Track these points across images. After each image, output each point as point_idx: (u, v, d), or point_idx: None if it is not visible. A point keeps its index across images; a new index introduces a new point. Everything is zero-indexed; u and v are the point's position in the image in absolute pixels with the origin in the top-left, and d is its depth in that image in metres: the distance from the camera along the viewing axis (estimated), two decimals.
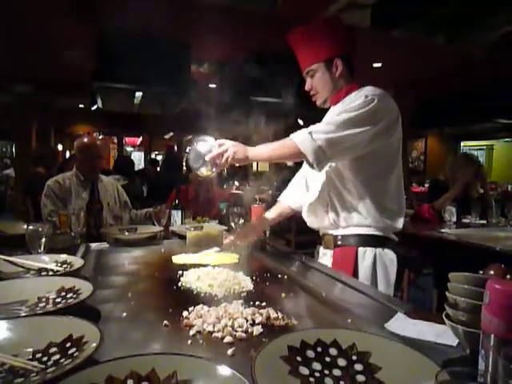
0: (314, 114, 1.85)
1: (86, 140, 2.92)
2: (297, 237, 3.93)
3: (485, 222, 3.22)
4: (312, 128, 1.52)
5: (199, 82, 6.34)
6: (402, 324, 1.03)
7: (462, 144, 10.42)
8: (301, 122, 8.33)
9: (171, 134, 10.67)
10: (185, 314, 1.06)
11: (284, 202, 2.04)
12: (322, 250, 1.84)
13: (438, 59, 5.13)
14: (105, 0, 3.84)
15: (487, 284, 0.65)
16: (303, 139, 1.49)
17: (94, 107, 5.69)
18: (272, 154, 1.59)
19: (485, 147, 10.54)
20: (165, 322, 1.02)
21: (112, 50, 4.29)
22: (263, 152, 1.61)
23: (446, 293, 0.91)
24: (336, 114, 1.55)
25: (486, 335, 0.64)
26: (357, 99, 1.54)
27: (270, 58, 5.21)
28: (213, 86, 7.33)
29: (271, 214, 2.02)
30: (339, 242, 1.70)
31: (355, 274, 1.60)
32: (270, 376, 0.67)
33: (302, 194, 1.96)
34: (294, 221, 3.95)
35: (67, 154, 9.89)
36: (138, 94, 5.53)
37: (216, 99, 6.70)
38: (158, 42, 4.70)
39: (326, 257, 1.78)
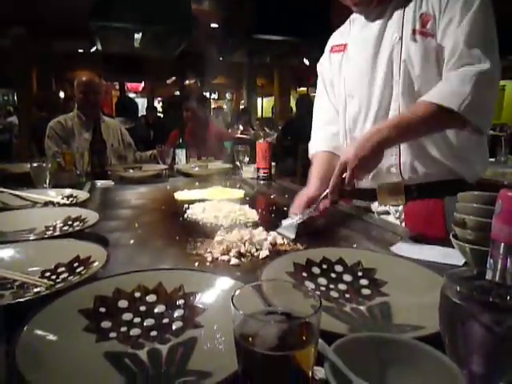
0: (322, 54, 1.55)
1: (84, 78, 2.84)
2: (302, 178, 3.89)
3: (493, 159, 3.18)
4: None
5: (200, 21, 6.05)
6: (407, 247, 1.03)
7: None
8: (307, 62, 8.04)
9: (173, 78, 10.38)
10: (191, 240, 1.07)
11: (316, 150, 1.48)
12: (378, 207, 1.38)
13: None
14: None
15: (500, 193, 0.63)
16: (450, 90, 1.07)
17: (93, 49, 5.49)
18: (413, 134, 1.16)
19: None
20: (172, 246, 1.04)
21: None
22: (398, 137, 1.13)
23: (454, 213, 0.90)
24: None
25: (495, 244, 0.63)
26: None
27: None
28: (215, 25, 7.01)
29: (317, 174, 1.36)
30: (414, 194, 1.28)
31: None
32: (275, 289, 0.67)
33: (335, 125, 1.45)
34: (299, 160, 3.92)
35: None
36: (138, 36, 5.31)
37: (218, 39, 6.43)
38: None
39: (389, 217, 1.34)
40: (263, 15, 5.16)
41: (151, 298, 0.67)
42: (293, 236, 1.08)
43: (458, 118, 1.07)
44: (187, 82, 10.99)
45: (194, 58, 7.24)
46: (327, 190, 1.13)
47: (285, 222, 1.15)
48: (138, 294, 0.67)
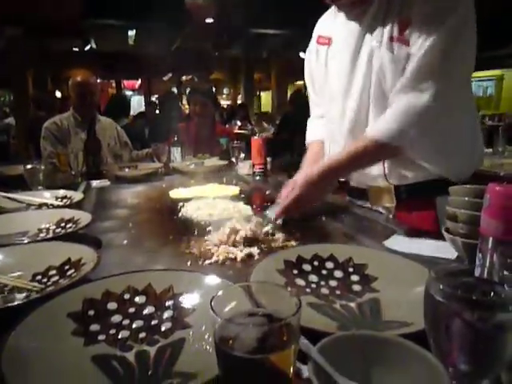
0: None
1: (79, 78, 2.83)
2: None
3: (490, 150, 3.17)
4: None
5: (195, 16, 6.01)
6: (400, 241, 1.03)
7: None
8: (303, 56, 8.00)
9: (170, 75, 10.33)
10: (184, 239, 1.07)
11: (311, 139, 1.52)
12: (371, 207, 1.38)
13: None
14: None
15: (488, 187, 0.63)
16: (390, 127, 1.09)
17: (87, 47, 5.46)
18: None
19: (494, 78, 10.13)
20: (165, 246, 1.03)
21: None
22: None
23: (446, 207, 0.90)
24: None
25: (484, 239, 0.63)
26: None
27: None
28: (210, 20, 6.97)
29: (311, 161, 1.42)
30: (403, 195, 1.25)
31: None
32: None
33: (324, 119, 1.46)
34: (295, 154, 3.90)
35: None
36: (132, 33, 5.28)
37: (213, 34, 6.40)
38: None
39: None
40: (258, 9, 5.12)
41: (141, 299, 0.67)
42: (273, 216, 1.14)
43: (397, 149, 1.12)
44: (184, 78, 10.96)
45: (190, 54, 7.21)
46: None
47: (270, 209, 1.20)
48: (127, 296, 0.67)
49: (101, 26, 4.64)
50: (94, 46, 5.51)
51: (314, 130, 1.54)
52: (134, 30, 4.97)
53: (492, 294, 0.43)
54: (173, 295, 0.67)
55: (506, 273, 0.51)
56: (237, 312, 0.42)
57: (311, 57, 1.43)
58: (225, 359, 0.37)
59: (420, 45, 1.04)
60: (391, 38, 1.10)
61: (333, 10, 1.35)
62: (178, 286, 0.69)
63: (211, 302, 0.38)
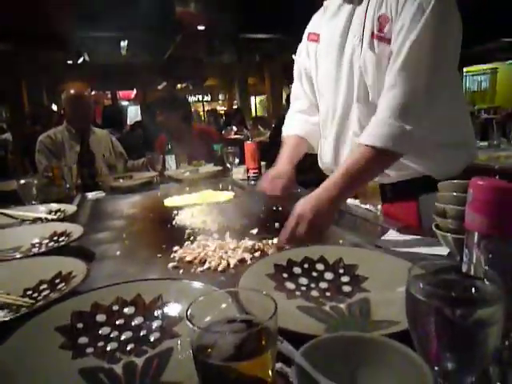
0: None
1: (72, 91, 2.84)
2: (298, 176, 3.86)
3: (486, 143, 3.17)
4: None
5: (187, 24, 6.04)
6: (393, 239, 1.03)
7: (464, 70, 10.02)
8: None
9: (164, 83, 10.37)
10: (176, 248, 1.07)
11: (288, 133, 1.48)
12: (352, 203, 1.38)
13: None
14: None
15: (470, 182, 0.63)
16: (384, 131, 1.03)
17: (80, 60, 5.49)
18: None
19: (489, 71, 10.16)
20: (158, 255, 1.03)
21: None
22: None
23: (435, 203, 0.90)
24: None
25: (469, 234, 0.62)
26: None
27: None
28: (201, 27, 7.00)
29: (287, 154, 1.40)
30: (389, 194, 1.25)
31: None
32: None
33: (309, 115, 1.44)
34: None
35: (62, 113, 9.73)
36: (124, 44, 5.31)
37: (205, 41, 6.42)
38: None
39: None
40: (249, 14, 5.15)
41: (130, 310, 0.67)
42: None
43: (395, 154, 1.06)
44: (178, 86, 10.99)
45: (183, 62, 7.23)
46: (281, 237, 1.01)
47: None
48: (115, 307, 0.67)
49: (93, 39, 4.67)
50: (87, 58, 5.54)
51: (291, 124, 1.50)
52: (126, 41, 4.99)
53: (473, 290, 0.43)
54: (162, 304, 0.67)
55: (486, 268, 0.51)
56: (217, 319, 0.41)
57: (302, 52, 1.43)
58: (203, 368, 0.37)
59: (400, 42, 1.03)
60: (372, 35, 1.10)
61: (321, 10, 1.35)
62: (167, 295, 0.68)
63: (187, 311, 0.38)
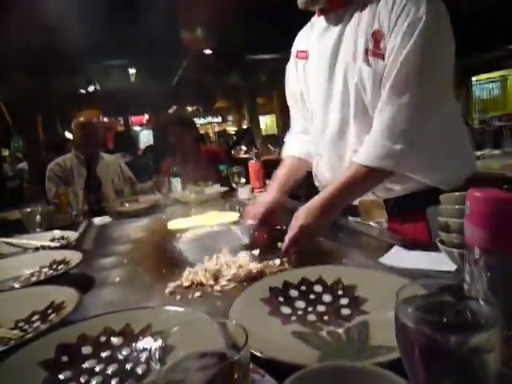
0: None
1: (81, 119, 2.90)
2: (307, 190, 3.82)
3: (499, 151, 3.10)
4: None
5: (194, 49, 6.17)
6: (397, 256, 0.98)
7: (473, 79, 9.93)
8: None
9: (174, 107, 10.55)
10: (177, 272, 1.04)
11: (286, 155, 1.49)
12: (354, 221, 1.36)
13: None
14: None
15: (467, 194, 0.59)
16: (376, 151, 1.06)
17: (92, 89, 5.63)
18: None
19: (498, 79, 10.05)
20: (157, 281, 1.01)
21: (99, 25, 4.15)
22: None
23: (438, 217, 0.86)
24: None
25: (469, 249, 0.59)
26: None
27: (264, 11, 4.98)
28: (208, 51, 7.13)
29: (279, 179, 1.40)
30: (394, 209, 1.22)
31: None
32: (245, 318, 0.64)
33: (307, 135, 1.43)
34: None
35: None
36: (132, 71, 5.44)
37: (213, 65, 6.52)
38: (143, 10, 4.54)
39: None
40: (252, 36, 5.23)
41: (118, 340, 0.64)
42: (246, 241, 1.16)
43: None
44: (189, 109, 11.15)
45: (191, 85, 7.35)
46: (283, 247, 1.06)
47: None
48: (103, 338, 0.64)
49: (102, 67, 4.79)
50: (97, 86, 5.69)
51: (290, 146, 1.51)
52: (134, 69, 5.12)
53: (467, 312, 0.40)
54: (150, 334, 0.64)
55: (484, 287, 0.47)
56: (189, 354, 0.39)
57: (291, 72, 1.42)
58: None
59: (392, 59, 1.02)
60: (366, 51, 1.08)
61: (311, 22, 1.34)
62: (156, 324, 0.66)
63: (151, 348, 0.35)
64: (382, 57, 1.06)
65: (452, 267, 0.86)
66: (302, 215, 1.08)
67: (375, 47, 1.07)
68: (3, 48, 5.37)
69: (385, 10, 1.04)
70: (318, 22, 1.26)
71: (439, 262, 0.91)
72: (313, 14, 1.30)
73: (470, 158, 1.26)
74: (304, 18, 1.36)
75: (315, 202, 1.10)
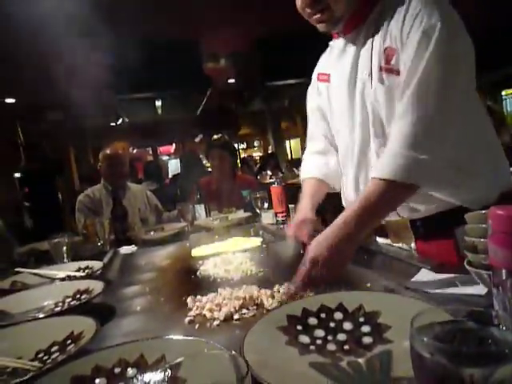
0: None
1: (108, 151, 2.99)
2: (333, 215, 3.75)
3: None
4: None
5: (218, 78, 6.33)
6: (425, 280, 0.94)
7: (503, 93, 9.65)
8: None
9: (201, 136, 10.77)
10: (198, 299, 1.03)
11: (304, 178, 1.47)
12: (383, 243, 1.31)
13: None
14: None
15: (489, 212, 0.56)
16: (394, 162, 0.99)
17: (119, 121, 5.85)
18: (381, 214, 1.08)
19: None
20: (177, 309, 1.00)
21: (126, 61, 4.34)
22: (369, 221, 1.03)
23: (465, 237, 0.81)
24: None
25: (495, 270, 0.55)
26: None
27: (284, 37, 5.09)
28: (232, 80, 7.31)
29: (303, 206, 1.34)
30: (421, 230, 1.17)
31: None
32: (261, 349, 0.62)
33: (326, 155, 1.42)
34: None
35: None
36: (158, 103, 5.63)
37: (236, 93, 6.68)
38: (167, 43, 4.73)
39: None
40: (273, 64, 5.34)
41: (132, 372, 0.63)
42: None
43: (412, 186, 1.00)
44: (215, 136, 11.36)
45: (216, 114, 7.52)
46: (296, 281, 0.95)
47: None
48: (118, 370, 0.63)
49: (129, 101, 4.99)
50: (126, 119, 5.91)
51: (308, 167, 1.49)
52: (160, 101, 5.31)
53: (489, 341, 0.36)
54: (164, 365, 0.63)
55: (510, 312, 0.44)
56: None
57: (313, 93, 1.43)
58: None
59: (409, 72, 1.00)
60: (381, 69, 1.08)
61: (330, 45, 1.35)
62: (170, 355, 0.64)
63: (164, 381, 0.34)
64: (395, 72, 1.05)
65: (482, 290, 0.81)
66: (313, 247, 0.98)
67: (387, 63, 1.06)
68: (44, 88, 5.68)
69: (396, 26, 1.04)
70: (335, 44, 1.28)
71: (468, 285, 0.86)
72: (331, 37, 1.32)
73: (504, 173, 1.18)
74: (322, 42, 1.37)
75: (328, 230, 1.00)
